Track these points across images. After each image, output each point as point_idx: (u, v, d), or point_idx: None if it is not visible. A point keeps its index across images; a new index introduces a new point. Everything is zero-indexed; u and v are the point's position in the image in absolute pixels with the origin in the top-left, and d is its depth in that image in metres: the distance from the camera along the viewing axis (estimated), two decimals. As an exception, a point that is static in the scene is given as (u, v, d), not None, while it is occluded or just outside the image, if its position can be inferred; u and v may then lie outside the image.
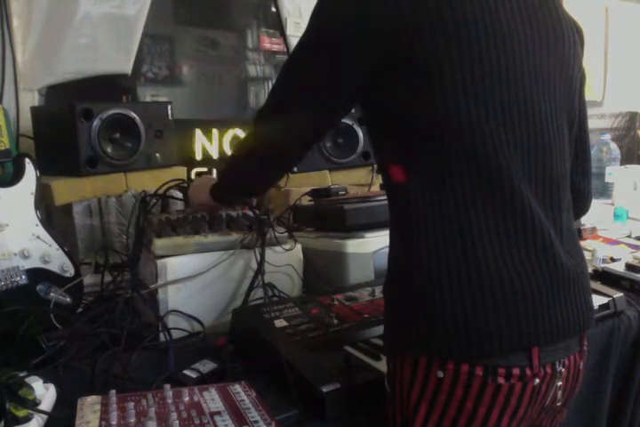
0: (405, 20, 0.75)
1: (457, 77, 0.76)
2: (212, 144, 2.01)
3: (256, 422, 0.81)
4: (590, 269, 1.53)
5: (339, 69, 0.82)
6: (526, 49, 0.80)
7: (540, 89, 0.82)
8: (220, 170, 1.15)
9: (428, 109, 0.77)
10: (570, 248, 0.85)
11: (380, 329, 1.10)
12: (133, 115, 1.60)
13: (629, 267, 1.56)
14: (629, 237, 2.00)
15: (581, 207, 1.03)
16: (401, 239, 0.85)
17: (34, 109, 1.64)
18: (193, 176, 1.93)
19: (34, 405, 0.85)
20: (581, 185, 1.01)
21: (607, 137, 2.66)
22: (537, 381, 0.80)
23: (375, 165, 2.05)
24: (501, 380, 0.78)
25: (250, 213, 1.37)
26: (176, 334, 1.19)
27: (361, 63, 0.80)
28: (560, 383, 0.84)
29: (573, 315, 0.83)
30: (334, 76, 0.83)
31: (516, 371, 0.78)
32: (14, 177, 1.30)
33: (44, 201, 1.45)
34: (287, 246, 1.36)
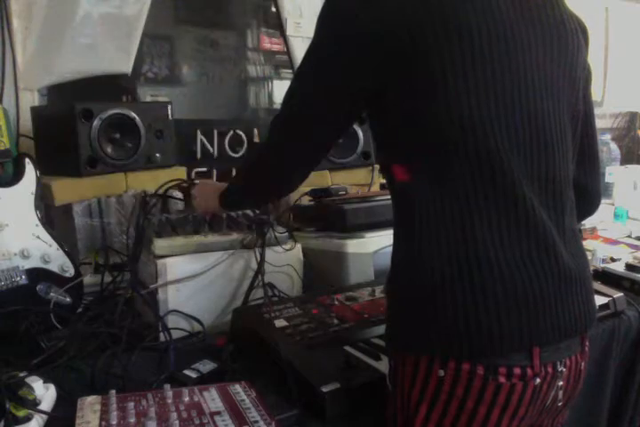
0: (407, 21, 0.75)
1: (459, 78, 0.76)
2: (212, 144, 2.01)
3: (256, 422, 0.81)
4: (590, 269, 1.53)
5: (344, 71, 0.82)
6: (529, 49, 0.80)
7: (544, 89, 0.82)
8: (234, 180, 1.12)
9: (431, 110, 0.77)
10: (572, 249, 0.85)
11: (379, 329, 1.10)
12: (133, 115, 1.59)
13: (629, 267, 1.56)
14: (629, 237, 2.00)
15: (589, 205, 1.02)
16: (404, 238, 0.85)
17: (34, 109, 1.64)
18: (193, 176, 1.93)
19: (34, 405, 0.85)
20: (589, 184, 1.00)
21: (607, 137, 2.67)
22: (538, 380, 0.80)
23: (375, 165, 2.05)
24: (502, 379, 0.78)
25: (250, 212, 1.37)
26: (176, 334, 1.19)
27: (364, 64, 0.80)
28: (561, 383, 0.84)
29: (575, 315, 0.83)
30: (341, 78, 0.83)
31: (517, 370, 0.78)
32: (14, 177, 1.30)
33: (44, 201, 1.45)
34: (287, 246, 1.36)
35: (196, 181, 1.38)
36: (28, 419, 0.82)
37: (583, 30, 0.92)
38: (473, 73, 0.76)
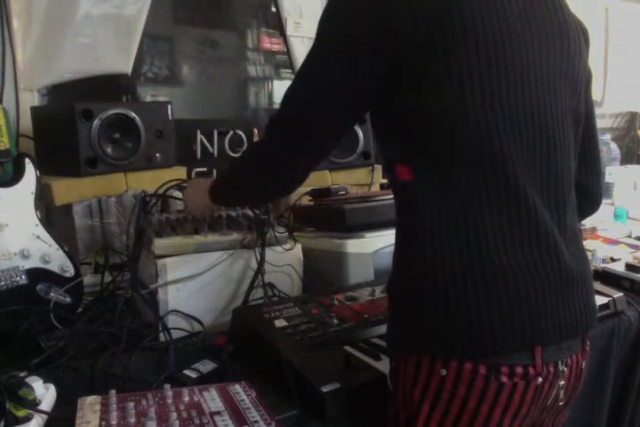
0: (412, 21, 0.75)
1: (464, 77, 0.75)
2: (211, 144, 2.01)
3: (256, 422, 0.81)
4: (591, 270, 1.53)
5: (347, 71, 0.81)
6: (532, 47, 0.80)
7: (546, 89, 0.82)
8: (226, 173, 1.08)
9: (435, 109, 0.77)
10: (574, 249, 0.85)
11: (380, 329, 1.10)
12: (133, 115, 1.59)
13: (629, 267, 1.56)
14: (629, 237, 2.00)
15: (590, 206, 1.03)
16: (406, 238, 0.85)
17: (34, 109, 1.64)
18: (193, 176, 1.93)
19: (34, 405, 0.85)
20: (590, 184, 1.00)
21: (607, 137, 2.67)
22: (540, 380, 0.80)
23: (375, 165, 2.05)
24: (504, 378, 0.78)
25: (250, 212, 1.36)
26: (176, 334, 1.19)
27: (366, 64, 0.80)
28: (562, 383, 0.84)
29: (576, 315, 0.83)
30: (344, 77, 0.82)
31: (519, 370, 0.78)
32: (14, 177, 1.30)
33: (44, 201, 1.45)
34: (287, 246, 1.36)
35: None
36: (27, 419, 0.82)
37: (584, 32, 0.92)
38: (478, 72, 0.76)
